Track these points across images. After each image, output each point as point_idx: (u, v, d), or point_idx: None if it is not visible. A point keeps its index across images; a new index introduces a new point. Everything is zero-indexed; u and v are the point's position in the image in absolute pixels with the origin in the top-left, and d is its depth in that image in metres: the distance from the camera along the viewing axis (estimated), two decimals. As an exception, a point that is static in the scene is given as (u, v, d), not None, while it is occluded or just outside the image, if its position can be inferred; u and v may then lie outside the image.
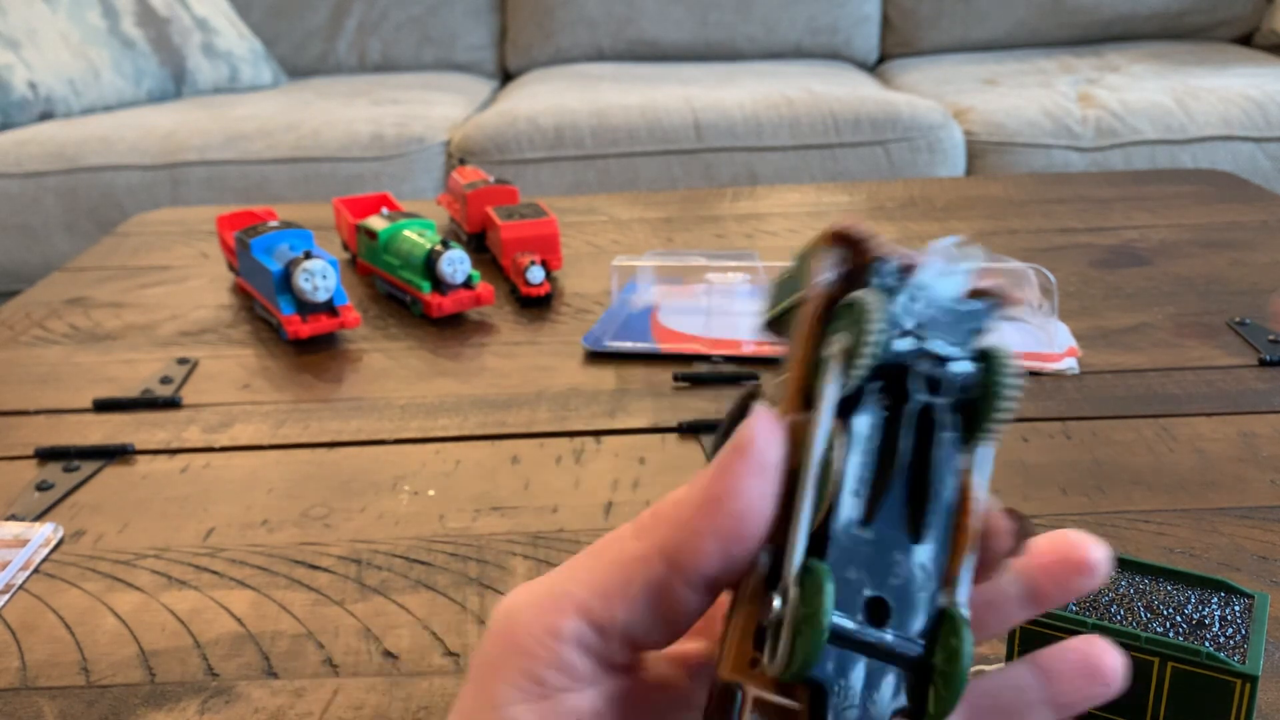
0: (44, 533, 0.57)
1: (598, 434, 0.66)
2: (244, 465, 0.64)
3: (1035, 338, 0.74)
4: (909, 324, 0.23)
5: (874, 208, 1.10)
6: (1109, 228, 1.00)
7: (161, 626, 0.50)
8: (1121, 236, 0.97)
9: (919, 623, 0.23)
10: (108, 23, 2.13)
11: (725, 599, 0.24)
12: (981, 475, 0.24)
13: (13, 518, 0.59)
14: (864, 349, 0.23)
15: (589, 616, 0.23)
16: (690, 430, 0.66)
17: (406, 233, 0.87)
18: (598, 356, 0.77)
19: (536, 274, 0.86)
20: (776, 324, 0.26)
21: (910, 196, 1.13)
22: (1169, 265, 0.90)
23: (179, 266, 1.02)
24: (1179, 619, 0.37)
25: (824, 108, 1.88)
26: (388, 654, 0.47)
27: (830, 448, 0.23)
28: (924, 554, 0.23)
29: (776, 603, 0.22)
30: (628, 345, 0.77)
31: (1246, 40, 2.38)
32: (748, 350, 0.75)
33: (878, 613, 0.23)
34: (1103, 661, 0.25)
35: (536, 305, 0.87)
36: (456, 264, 0.82)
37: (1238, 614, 0.37)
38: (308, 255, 0.80)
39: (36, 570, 0.54)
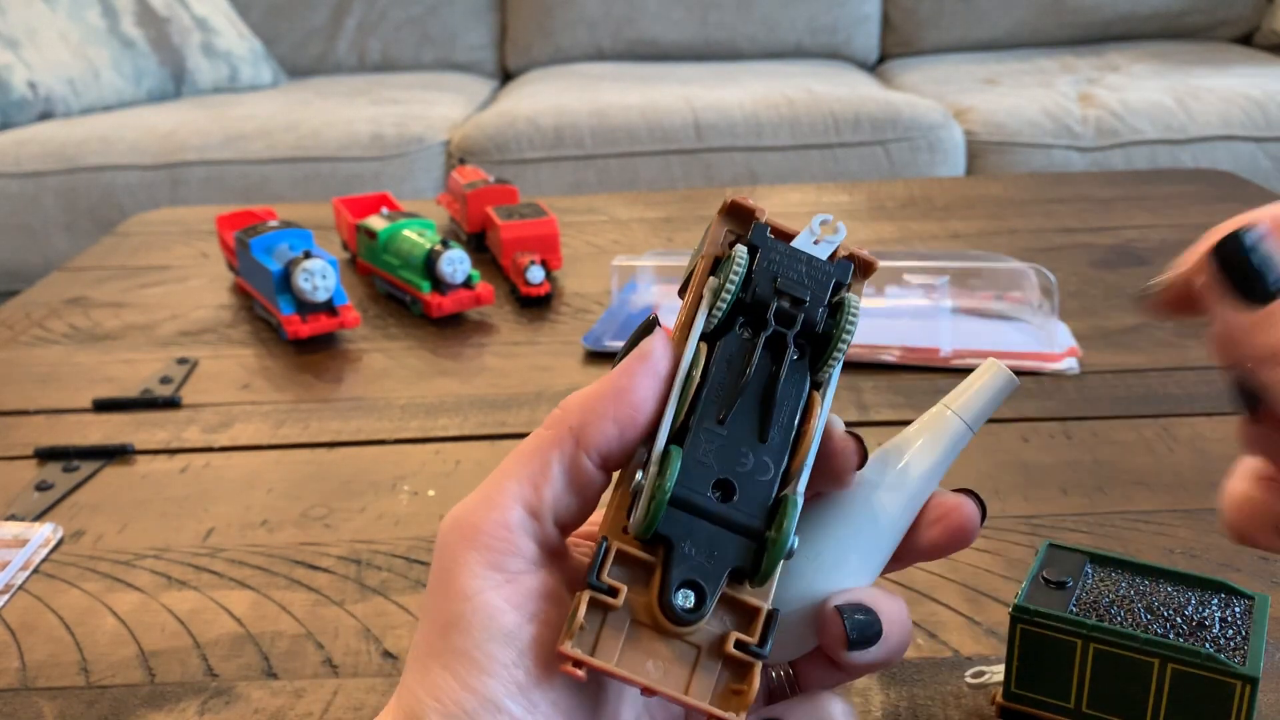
0: (43, 533, 0.57)
1: (598, 434, 0.66)
2: (244, 465, 0.64)
3: (1035, 338, 0.74)
4: (771, 273, 0.30)
5: (874, 207, 1.10)
6: (1109, 228, 1.00)
7: (161, 627, 0.50)
8: (1121, 236, 0.97)
9: (760, 503, 0.29)
10: (107, 22, 2.13)
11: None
12: (826, 395, 0.30)
13: (12, 518, 0.59)
14: (726, 284, 0.29)
15: (526, 504, 0.28)
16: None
17: (406, 232, 0.87)
18: (598, 356, 0.77)
19: (536, 274, 0.86)
20: (684, 286, 0.32)
21: (910, 196, 1.13)
22: (1169, 265, 0.90)
23: (179, 266, 1.02)
24: (1179, 620, 0.37)
25: (824, 107, 1.88)
26: (388, 654, 0.47)
27: (693, 365, 0.29)
28: (768, 452, 0.29)
29: (639, 475, 0.28)
30: (628, 345, 0.77)
31: (1246, 40, 2.38)
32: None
33: (726, 493, 0.29)
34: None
35: (536, 305, 0.87)
36: (456, 264, 0.82)
37: (1238, 615, 0.37)
38: (307, 255, 0.80)
39: (36, 570, 0.54)
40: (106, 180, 1.86)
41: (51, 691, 0.46)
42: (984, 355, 0.71)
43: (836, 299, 0.30)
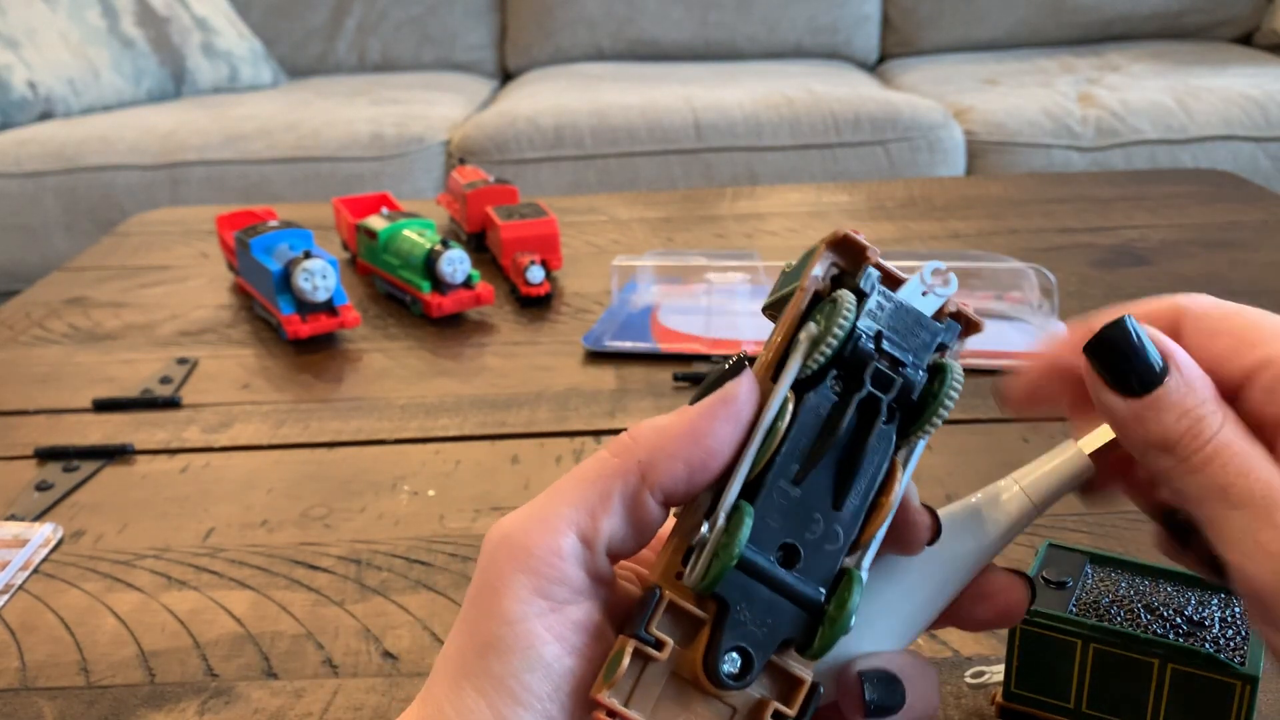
0: (43, 533, 0.57)
1: (598, 434, 0.66)
2: (244, 465, 0.64)
3: (1035, 338, 0.74)
4: (875, 328, 0.28)
5: (874, 207, 1.10)
6: (1109, 228, 1.00)
7: (161, 627, 0.50)
8: (1121, 236, 0.97)
9: (824, 574, 0.27)
10: (107, 22, 2.13)
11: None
12: (908, 466, 0.29)
13: (12, 518, 0.59)
14: (829, 337, 0.27)
15: (581, 531, 0.27)
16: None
17: (406, 232, 0.87)
18: (598, 356, 0.77)
19: (536, 274, 0.86)
20: (772, 309, 0.31)
21: (910, 196, 1.13)
22: (1169, 265, 0.90)
23: (179, 266, 1.02)
24: (1179, 620, 0.37)
25: (824, 107, 1.87)
26: (388, 654, 0.47)
27: (779, 415, 0.27)
28: (840, 520, 0.28)
29: (704, 529, 0.27)
30: (628, 345, 0.77)
31: (1246, 40, 2.38)
32: (748, 350, 0.75)
33: (790, 557, 0.27)
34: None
35: (536, 305, 0.87)
36: (456, 264, 0.82)
37: (1238, 615, 0.37)
38: (307, 255, 0.80)
39: (36, 570, 0.54)
40: (106, 180, 1.86)
41: (51, 691, 0.46)
42: (984, 355, 0.72)
43: (937, 362, 0.29)
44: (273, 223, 0.86)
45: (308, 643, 0.48)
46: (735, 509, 0.27)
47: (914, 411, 0.28)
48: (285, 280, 0.79)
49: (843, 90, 1.96)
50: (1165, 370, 0.27)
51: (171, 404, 0.72)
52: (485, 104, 2.22)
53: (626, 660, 0.26)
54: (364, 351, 0.80)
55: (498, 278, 0.91)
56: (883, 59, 2.47)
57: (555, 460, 0.63)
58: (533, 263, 0.86)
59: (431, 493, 0.60)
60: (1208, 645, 0.36)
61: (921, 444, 0.29)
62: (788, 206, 1.12)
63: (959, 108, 1.92)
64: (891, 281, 0.29)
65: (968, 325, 0.29)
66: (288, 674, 0.46)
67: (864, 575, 0.28)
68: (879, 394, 0.28)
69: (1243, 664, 0.35)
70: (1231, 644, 0.36)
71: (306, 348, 0.81)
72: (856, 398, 0.28)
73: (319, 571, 0.53)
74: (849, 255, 0.29)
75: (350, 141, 1.88)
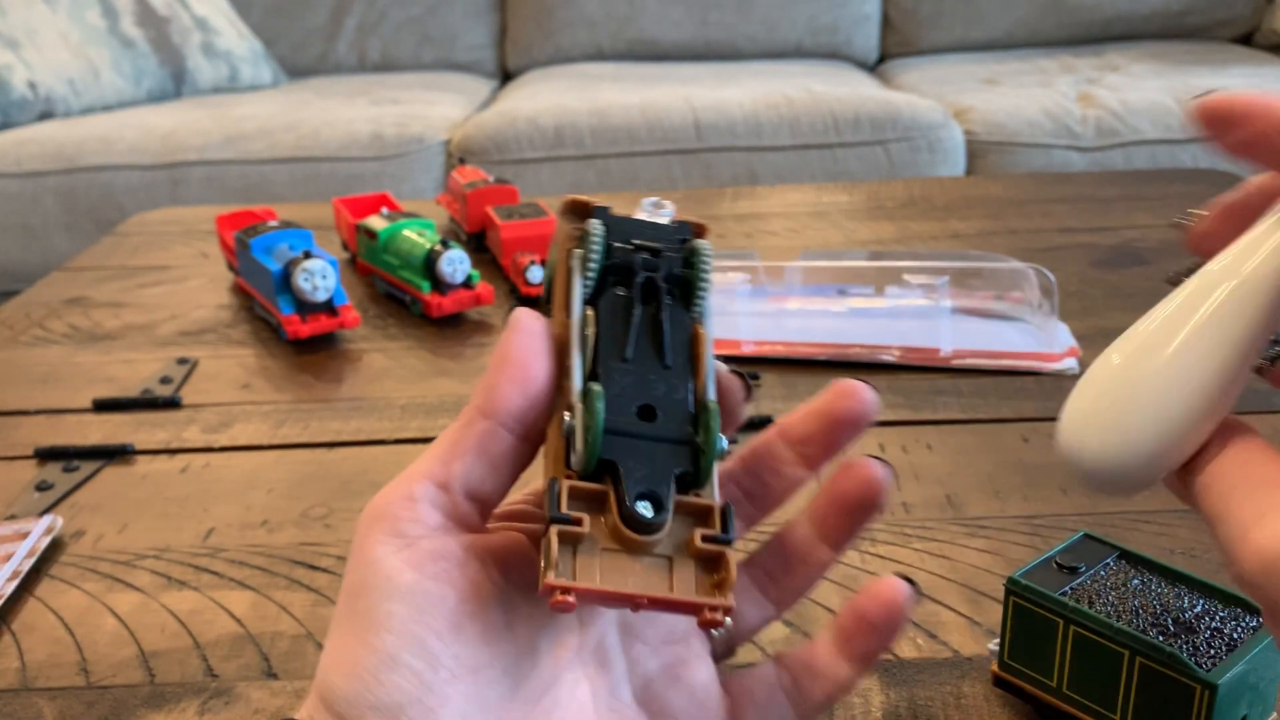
0: (44, 523, 0.57)
1: (598, 434, 0.66)
2: (244, 465, 0.64)
3: (1035, 338, 0.74)
4: (625, 238, 0.33)
5: (874, 207, 1.10)
6: (1109, 228, 1.00)
7: (161, 627, 0.50)
8: (1122, 236, 0.97)
9: (682, 418, 0.31)
10: (107, 22, 2.13)
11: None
12: (707, 324, 0.33)
13: (12, 518, 0.59)
14: (591, 253, 0.33)
15: (433, 478, 0.30)
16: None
17: (406, 232, 0.87)
18: (598, 356, 0.77)
19: (536, 274, 0.86)
20: (549, 291, 0.35)
21: (910, 196, 1.13)
22: (1169, 265, 0.90)
23: (179, 266, 1.02)
24: (1168, 620, 0.37)
25: (824, 107, 1.88)
26: (387, 654, 0.47)
27: (584, 324, 0.32)
28: (674, 375, 0.32)
29: (567, 417, 0.30)
30: (628, 345, 0.76)
31: (1246, 40, 2.38)
32: (747, 350, 0.75)
33: (648, 413, 0.31)
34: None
35: (536, 305, 0.87)
36: (456, 264, 0.82)
37: (1240, 630, 0.37)
38: (307, 255, 0.80)
39: (41, 557, 0.54)
40: (106, 180, 1.86)
41: (51, 692, 0.46)
42: (984, 355, 0.72)
43: (687, 247, 0.34)
44: (273, 223, 0.86)
45: (308, 643, 0.48)
46: (585, 392, 0.30)
47: (689, 286, 0.34)
48: (285, 280, 0.79)
49: (843, 90, 1.96)
50: None
51: (171, 404, 0.72)
52: (485, 104, 2.22)
53: (555, 542, 0.28)
54: (364, 351, 0.80)
55: (498, 278, 0.91)
56: (883, 59, 2.47)
57: (555, 460, 0.63)
58: (533, 263, 0.86)
59: (431, 493, 0.60)
60: (1184, 649, 0.36)
61: (707, 305, 0.34)
62: (788, 206, 1.12)
63: (959, 108, 1.92)
64: (589, 209, 0.34)
65: (696, 226, 0.35)
66: (288, 674, 0.46)
67: (715, 405, 0.32)
68: (651, 274, 0.33)
69: (1208, 670, 0.35)
70: (1210, 651, 0.36)
71: (306, 348, 0.81)
72: (637, 282, 0.33)
73: (319, 571, 0.53)
74: (583, 214, 0.34)
75: (350, 141, 1.88)
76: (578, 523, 0.29)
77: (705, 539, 0.30)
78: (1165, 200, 1.08)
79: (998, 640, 0.41)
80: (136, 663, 0.47)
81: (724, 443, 0.31)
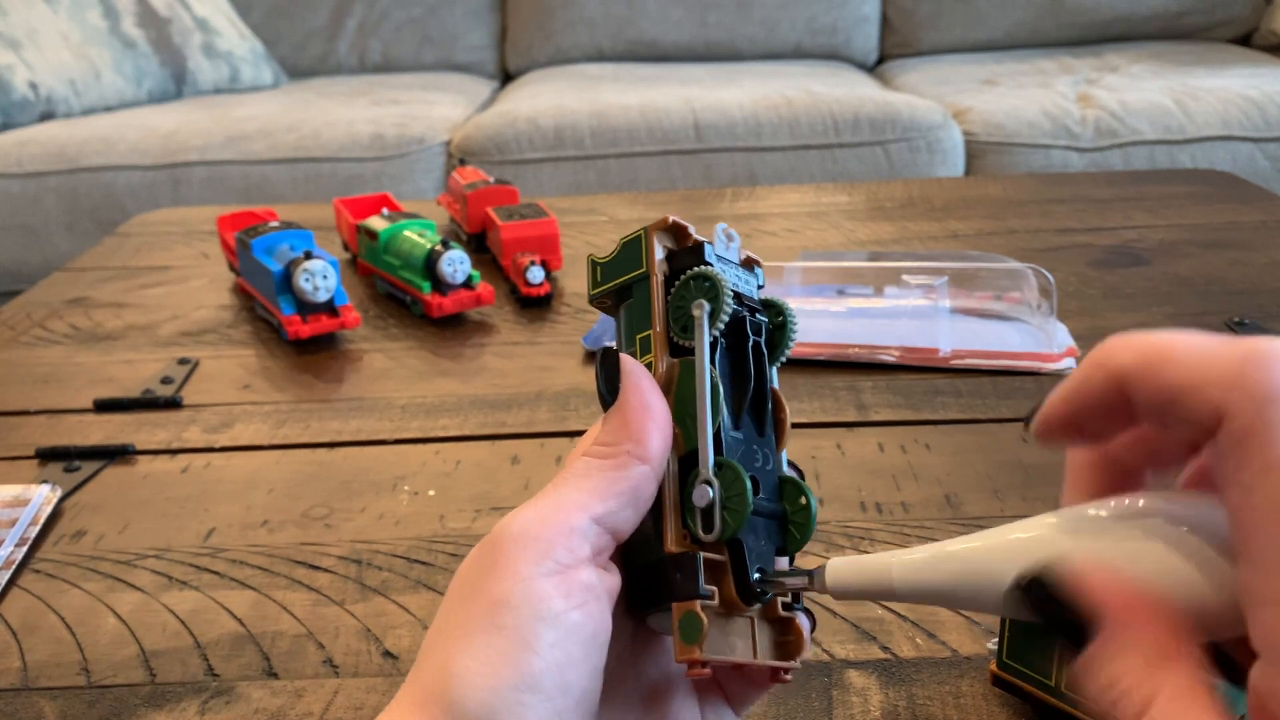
0: (43, 491, 0.58)
1: (597, 434, 0.66)
2: (244, 465, 0.65)
3: (1034, 338, 0.74)
4: (734, 290, 0.33)
5: (873, 208, 1.10)
6: (1108, 228, 1.00)
7: (162, 627, 0.50)
8: (1120, 237, 0.97)
9: (772, 489, 0.33)
10: (108, 23, 2.13)
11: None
12: (776, 385, 0.34)
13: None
14: (724, 310, 0.32)
15: (591, 513, 0.30)
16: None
17: (406, 233, 0.87)
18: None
19: (536, 274, 0.86)
20: (607, 296, 0.35)
21: (909, 197, 1.13)
22: (1168, 265, 0.90)
23: (179, 267, 1.02)
24: None
25: (823, 108, 1.88)
26: (388, 654, 0.47)
27: (715, 387, 0.32)
28: (767, 444, 0.33)
29: (710, 491, 0.31)
30: (627, 345, 0.77)
31: (1246, 40, 2.38)
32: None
33: (755, 486, 0.32)
34: None
35: (536, 305, 0.87)
36: (456, 264, 0.83)
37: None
38: (308, 255, 0.80)
39: (42, 557, 0.54)
40: (108, 181, 1.86)
41: (53, 691, 0.46)
42: (983, 355, 0.72)
43: (775, 309, 0.35)
44: (273, 223, 0.86)
45: (308, 643, 0.48)
46: (725, 467, 0.31)
47: (773, 349, 0.35)
48: (286, 281, 0.80)
49: (842, 91, 1.96)
50: (1090, 630, 0.25)
51: (172, 404, 0.73)
52: (485, 104, 2.23)
53: (705, 620, 0.30)
54: (364, 352, 0.80)
55: (498, 278, 0.91)
56: (882, 60, 2.47)
57: (555, 460, 0.63)
58: (533, 263, 0.86)
59: (432, 493, 0.60)
60: None
61: (776, 366, 0.35)
62: (787, 207, 1.12)
63: (958, 108, 1.92)
64: (698, 245, 0.34)
65: (758, 265, 0.36)
66: (288, 674, 0.46)
67: (803, 481, 0.33)
68: (757, 338, 0.34)
69: None
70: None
71: (307, 348, 0.81)
72: (749, 345, 0.33)
73: (319, 571, 0.53)
74: (674, 236, 0.34)
75: (351, 142, 1.88)
76: (713, 596, 0.30)
77: (785, 607, 0.33)
78: (1164, 201, 1.08)
79: (996, 640, 0.41)
80: (137, 662, 0.47)
81: (815, 512, 0.33)
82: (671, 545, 0.31)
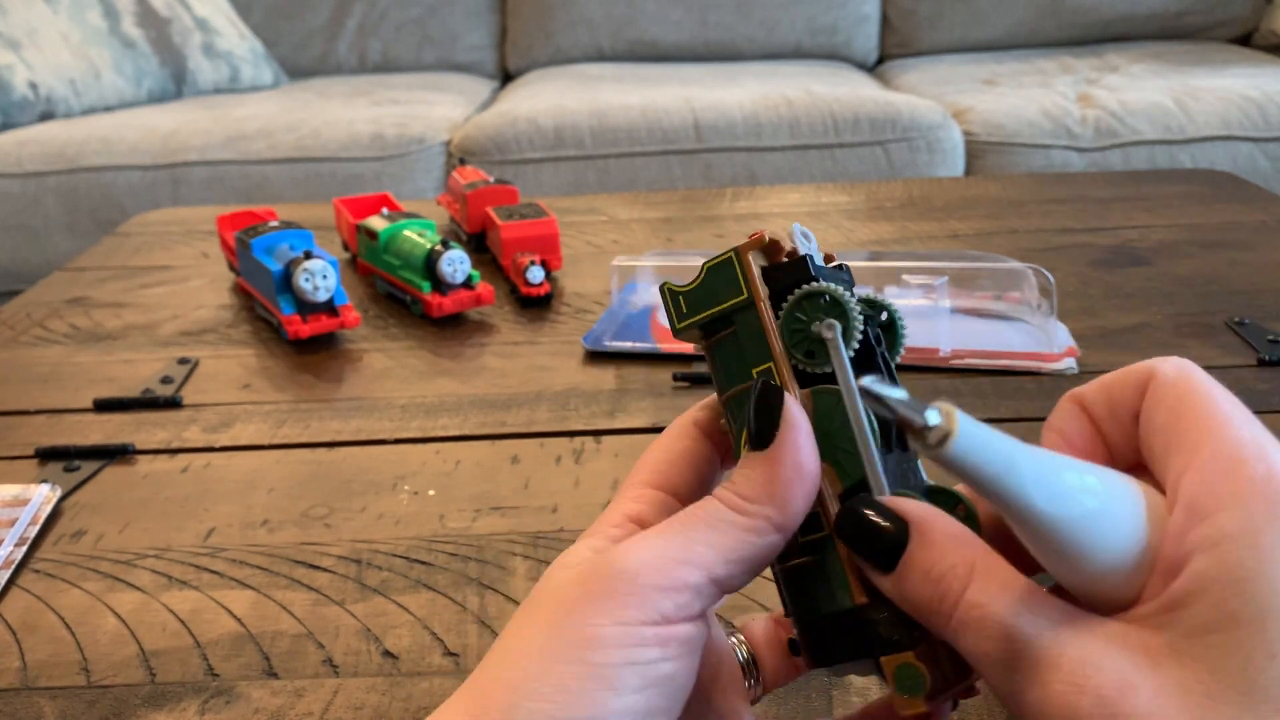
0: (43, 491, 0.58)
1: (597, 434, 0.66)
2: (244, 465, 0.65)
3: (1034, 338, 0.74)
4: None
5: (873, 208, 1.10)
6: (1108, 228, 1.00)
7: (162, 626, 0.50)
8: (1120, 236, 0.97)
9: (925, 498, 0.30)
10: (108, 23, 2.13)
11: None
12: None
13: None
14: (855, 328, 0.30)
15: (712, 574, 0.28)
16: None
17: (406, 233, 0.87)
18: (598, 356, 0.77)
19: (536, 274, 0.86)
20: (703, 328, 0.32)
21: (909, 196, 1.13)
22: (1168, 265, 0.90)
23: (179, 266, 1.02)
24: None
25: (823, 108, 1.88)
26: (388, 654, 0.47)
27: (869, 415, 0.29)
28: (910, 456, 0.32)
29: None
30: (628, 345, 0.77)
31: (1246, 40, 2.38)
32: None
33: None
34: None
35: (536, 305, 0.87)
36: (456, 264, 0.83)
37: None
38: (308, 255, 0.80)
39: (44, 526, 0.54)
40: (107, 180, 1.86)
41: (52, 691, 0.46)
42: (983, 355, 0.72)
43: (864, 298, 0.32)
44: (273, 223, 0.86)
45: (308, 642, 0.48)
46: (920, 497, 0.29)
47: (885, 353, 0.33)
48: (286, 280, 0.80)
49: (842, 91, 1.96)
50: (906, 537, 0.27)
51: (172, 404, 0.73)
52: (485, 104, 2.23)
53: (924, 668, 0.28)
54: (364, 351, 0.80)
55: (498, 278, 0.91)
56: (882, 60, 2.47)
57: (555, 460, 0.63)
58: (533, 263, 0.86)
59: (432, 492, 0.60)
60: None
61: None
62: (787, 207, 1.12)
63: (958, 108, 1.92)
64: (801, 259, 0.32)
65: (842, 263, 0.34)
66: (288, 674, 0.46)
67: (955, 489, 0.31)
68: (879, 348, 0.31)
69: None
70: None
71: (307, 348, 0.81)
72: (879, 359, 0.31)
73: (319, 571, 0.53)
74: (764, 252, 0.32)
75: (351, 142, 1.88)
76: (920, 641, 0.29)
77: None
78: (1164, 201, 1.08)
79: None
80: (137, 662, 0.47)
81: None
82: (860, 595, 0.29)
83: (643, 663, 0.27)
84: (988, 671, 0.26)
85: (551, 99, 2.00)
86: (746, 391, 0.31)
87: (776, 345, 0.31)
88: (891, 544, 0.28)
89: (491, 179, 1.00)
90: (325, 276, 0.79)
